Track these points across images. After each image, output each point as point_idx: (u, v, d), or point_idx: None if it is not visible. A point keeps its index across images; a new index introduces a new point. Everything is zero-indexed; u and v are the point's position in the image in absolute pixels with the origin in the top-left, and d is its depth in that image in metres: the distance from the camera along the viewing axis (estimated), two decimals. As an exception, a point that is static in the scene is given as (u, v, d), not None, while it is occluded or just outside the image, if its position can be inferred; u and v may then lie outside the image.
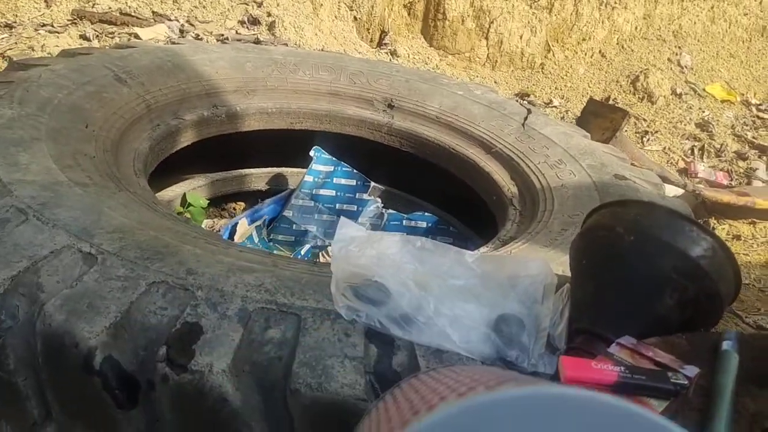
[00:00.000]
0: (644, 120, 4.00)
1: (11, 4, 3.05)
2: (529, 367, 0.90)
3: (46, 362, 0.90)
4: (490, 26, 4.25)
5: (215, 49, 1.99)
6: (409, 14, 4.27)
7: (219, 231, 2.08)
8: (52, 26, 2.96)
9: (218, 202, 2.31)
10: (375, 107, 2.05)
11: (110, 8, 3.20)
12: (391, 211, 2.25)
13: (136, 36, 2.98)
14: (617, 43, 4.54)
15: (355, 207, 2.26)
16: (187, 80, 1.77)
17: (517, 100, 2.74)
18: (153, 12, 3.29)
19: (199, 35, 3.16)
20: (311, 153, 2.18)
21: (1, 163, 1.13)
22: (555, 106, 4.07)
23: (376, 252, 0.96)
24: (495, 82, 4.22)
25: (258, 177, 2.32)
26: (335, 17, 3.86)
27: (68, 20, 3.05)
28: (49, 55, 2.55)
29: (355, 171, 2.26)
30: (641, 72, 4.25)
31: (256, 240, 2.09)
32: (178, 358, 0.84)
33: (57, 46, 2.73)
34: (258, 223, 2.15)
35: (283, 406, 0.85)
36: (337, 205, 2.26)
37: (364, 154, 2.18)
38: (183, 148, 1.74)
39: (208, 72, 1.85)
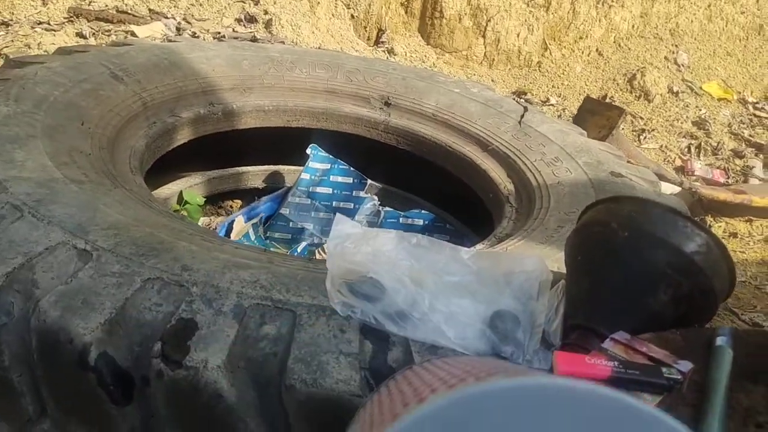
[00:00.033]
0: (641, 118, 4.01)
1: (8, 2, 3.04)
2: (524, 363, 0.90)
3: (41, 358, 0.90)
4: (487, 24, 4.25)
5: (212, 47, 1.99)
6: (406, 12, 4.27)
7: (215, 228, 2.08)
8: (49, 24, 2.96)
9: (215, 200, 2.31)
10: (372, 105, 2.05)
11: (107, 6, 3.20)
12: (387, 208, 2.25)
13: (133, 34, 2.97)
14: (614, 42, 4.54)
15: (352, 205, 2.26)
16: (184, 78, 1.77)
17: (513, 98, 2.74)
18: (149, 10, 3.29)
19: (195, 33, 3.16)
20: (308, 151, 2.18)
21: (-3, 160, 1.13)
22: (552, 104, 4.07)
23: (372, 249, 0.96)
24: (492, 81, 4.22)
25: (255, 175, 2.32)
26: (332, 15, 3.86)
27: (65, 18, 3.04)
28: (46, 53, 2.55)
29: (351, 169, 2.26)
30: (638, 70, 4.25)
31: (253, 237, 2.09)
32: (173, 354, 0.84)
33: (53, 43, 2.72)
34: (255, 220, 2.15)
35: (279, 402, 0.85)
36: (334, 203, 2.26)
37: (361, 152, 2.18)
38: (179, 145, 1.74)
39: (205, 70, 1.84)
